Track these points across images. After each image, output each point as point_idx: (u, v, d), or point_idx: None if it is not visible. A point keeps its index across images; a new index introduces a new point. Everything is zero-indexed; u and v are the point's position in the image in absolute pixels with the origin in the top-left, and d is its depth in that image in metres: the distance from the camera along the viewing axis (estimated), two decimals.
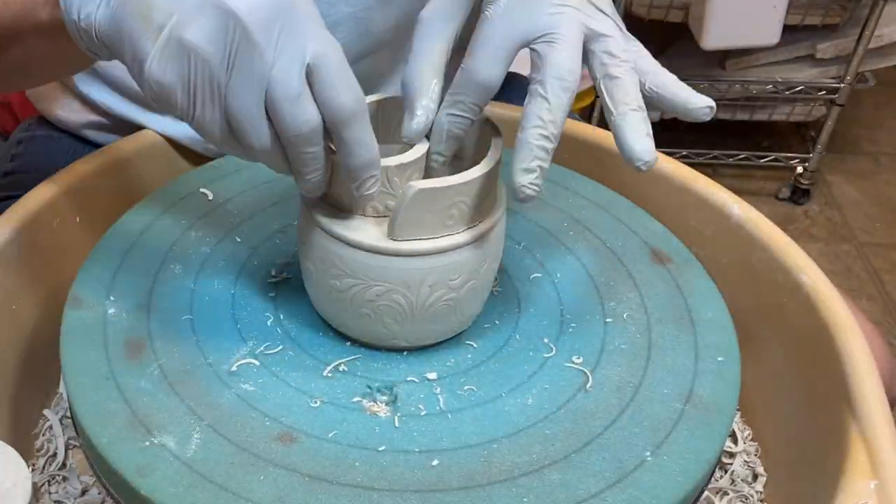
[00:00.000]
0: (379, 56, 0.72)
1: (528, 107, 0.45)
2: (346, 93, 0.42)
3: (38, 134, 0.80)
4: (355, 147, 0.43)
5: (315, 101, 0.42)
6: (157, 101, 0.42)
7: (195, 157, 0.72)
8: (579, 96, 1.61)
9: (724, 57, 1.70)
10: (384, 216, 0.48)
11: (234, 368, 0.49)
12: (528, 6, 0.45)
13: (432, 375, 0.50)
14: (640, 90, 0.46)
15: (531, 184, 0.45)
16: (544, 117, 0.44)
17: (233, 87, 0.40)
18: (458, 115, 0.46)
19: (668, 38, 1.77)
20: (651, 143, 0.45)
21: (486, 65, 0.45)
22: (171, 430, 0.45)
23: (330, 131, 0.43)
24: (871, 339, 0.57)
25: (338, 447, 0.45)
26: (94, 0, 0.43)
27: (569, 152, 0.70)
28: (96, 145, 0.74)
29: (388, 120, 0.51)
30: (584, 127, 0.72)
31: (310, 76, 0.41)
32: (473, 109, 0.46)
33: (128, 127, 0.72)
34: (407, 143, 0.48)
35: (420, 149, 0.47)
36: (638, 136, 0.45)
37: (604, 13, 0.46)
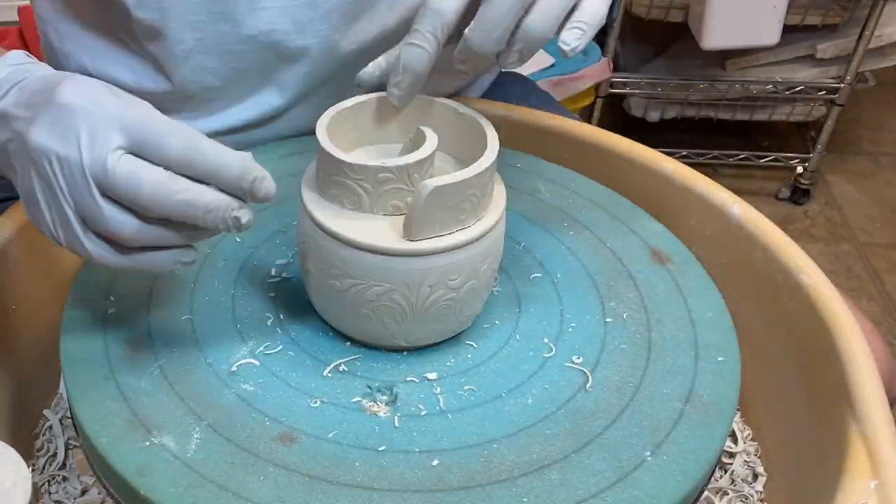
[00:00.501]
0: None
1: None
2: (170, 138, 0.42)
3: None
4: (218, 171, 0.43)
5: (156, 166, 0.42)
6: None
7: None
8: (579, 96, 1.61)
9: (724, 57, 1.70)
10: (394, 215, 0.48)
11: (234, 368, 0.49)
12: None
13: (432, 375, 0.50)
14: None
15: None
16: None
17: (67, 196, 0.43)
18: (414, 44, 0.48)
19: (668, 38, 1.77)
20: (579, 34, 0.48)
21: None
22: (171, 430, 0.45)
23: (194, 178, 0.43)
24: (871, 339, 0.57)
25: (338, 447, 0.45)
26: None
27: (569, 152, 0.70)
28: None
29: (387, 119, 0.51)
30: (585, 127, 0.72)
31: (135, 151, 0.42)
32: (428, 38, 0.47)
33: None
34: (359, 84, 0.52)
35: (432, 143, 0.48)
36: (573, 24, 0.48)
37: None
